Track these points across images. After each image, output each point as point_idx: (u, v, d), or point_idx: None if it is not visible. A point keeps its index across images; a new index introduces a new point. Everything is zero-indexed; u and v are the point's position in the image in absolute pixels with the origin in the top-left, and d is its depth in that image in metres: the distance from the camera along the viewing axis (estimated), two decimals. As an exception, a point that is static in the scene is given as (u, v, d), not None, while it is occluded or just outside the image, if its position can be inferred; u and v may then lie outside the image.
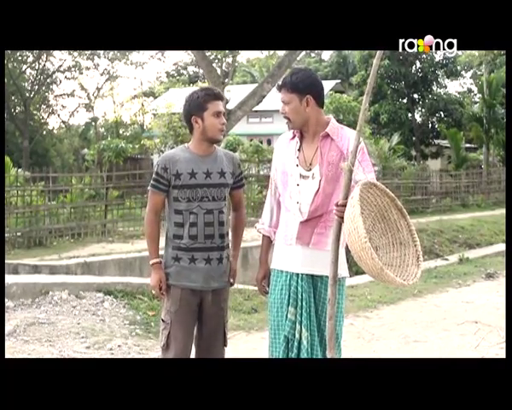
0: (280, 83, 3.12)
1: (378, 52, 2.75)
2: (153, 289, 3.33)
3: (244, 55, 41.47)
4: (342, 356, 3.11)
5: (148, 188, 3.31)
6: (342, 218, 2.68)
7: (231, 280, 3.38)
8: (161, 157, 3.32)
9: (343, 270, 3.05)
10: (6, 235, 9.65)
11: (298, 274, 3.03)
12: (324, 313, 2.98)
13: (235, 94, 15.24)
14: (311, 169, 3.05)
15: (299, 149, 3.11)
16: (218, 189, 3.24)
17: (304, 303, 3.00)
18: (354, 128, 2.97)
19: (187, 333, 3.25)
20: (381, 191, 2.80)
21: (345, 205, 2.67)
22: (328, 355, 2.75)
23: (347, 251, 2.89)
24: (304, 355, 2.95)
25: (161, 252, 3.34)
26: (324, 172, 3.02)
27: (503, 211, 6.68)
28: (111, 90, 28.03)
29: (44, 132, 29.47)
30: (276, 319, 3.08)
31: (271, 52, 16.99)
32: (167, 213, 3.32)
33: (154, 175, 3.27)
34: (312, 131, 3.08)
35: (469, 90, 35.11)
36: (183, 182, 3.20)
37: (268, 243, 3.26)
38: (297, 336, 2.99)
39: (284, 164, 3.13)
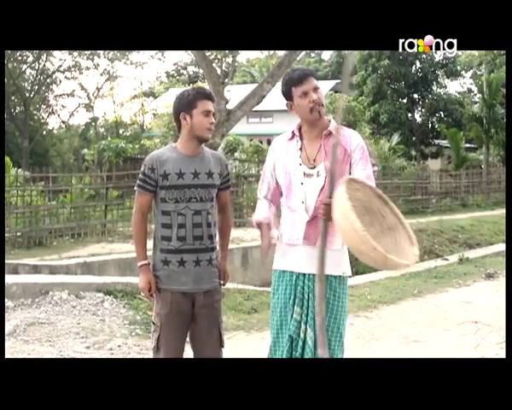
0: (301, 74, 3.04)
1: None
2: (142, 291, 3.31)
3: (244, 55, 41.52)
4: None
5: (135, 188, 3.26)
6: (328, 217, 2.74)
7: (221, 282, 3.35)
8: (148, 157, 3.27)
9: (346, 268, 3.08)
10: (6, 235, 9.65)
11: (304, 274, 3.03)
12: (329, 313, 3.00)
13: (235, 94, 15.25)
14: (315, 167, 3.05)
15: (300, 149, 3.10)
16: (205, 189, 3.21)
17: (310, 303, 3.00)
18: (354, 128, 2.98)
19: (177, 335, 3.22)
20: (359, 184, 2.82)
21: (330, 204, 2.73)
22: (319, 351, 2.77)
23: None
24: (308, 355, 2.96)
25: (150, 253, 3.31)
26: None
27: (503, 211, 6.68)
28: (111, 90, 28.07)
29: (44, 132, 29.44)
30: (279, 319, 3.08)
31: (271, 52, 17.03)
32: (154, 214, 3.29)
33: (140, 175, 3.22)
34: (319, 128, 3.08)
35: (469, 90, 35.11)
36: (170, 182, 3.17)
37: (267, 226, 3.17)
38: (302, 335, 2.99)
39: (286, 165, 3.12)
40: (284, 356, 3.03)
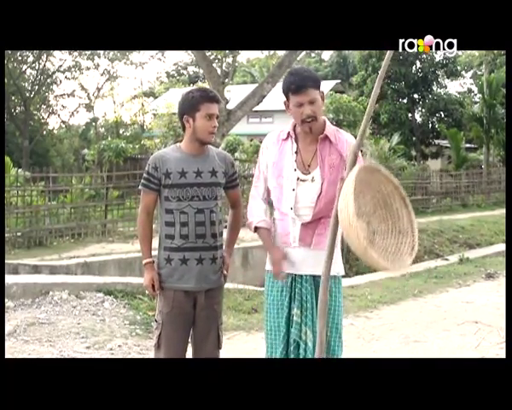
0: (299, 84, 2.91)
1: (388, 52, 2.76)
2: (146, 288, 3.34)
3: (244, 55, 41.61)
4: (343, 356, 3.11)
5: (139, 187, 3.30)
6: None
7: (225, 272, 3.34)
8: (152, 156, 3.31)
9: (340, 267, 3.07)
10: (6, 235, 9.65)
11: (301, 276, 3.01)
12: (327, 313, 2.98)
13: (235, 94, 15.26)
14: (310, 172, 3.00)
15: (296, 152, 3.04)
16: (208, 188, 3.22)
17: (308, 305, 2.99)
18: (354, 128, 2.96)
19: (179, 334, 3.24)
20: (385, 178, 2.80)
21: None
22: (317, 348, 2.77)
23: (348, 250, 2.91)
24: (309, 357, 2.94)
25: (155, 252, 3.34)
26: (326, 176, 2.97)
27: (503, 211, 6.69)
28: (111, 91, 28.10)
29: (44, 132, 29.42)
30: (276, 321, 3.05)
31: (271, 52, 17.03)
32: (159, 212, 3.31)
33: (144, 175, 3.26)
34: (314, 132, 3.00)
35: (469, 90, 35.13)
36: (172, 181, 3.19)
37: (269, 233, 3.11)
38: (303, 337, 2.97)
39: (280, 167, 3.05)
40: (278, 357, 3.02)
